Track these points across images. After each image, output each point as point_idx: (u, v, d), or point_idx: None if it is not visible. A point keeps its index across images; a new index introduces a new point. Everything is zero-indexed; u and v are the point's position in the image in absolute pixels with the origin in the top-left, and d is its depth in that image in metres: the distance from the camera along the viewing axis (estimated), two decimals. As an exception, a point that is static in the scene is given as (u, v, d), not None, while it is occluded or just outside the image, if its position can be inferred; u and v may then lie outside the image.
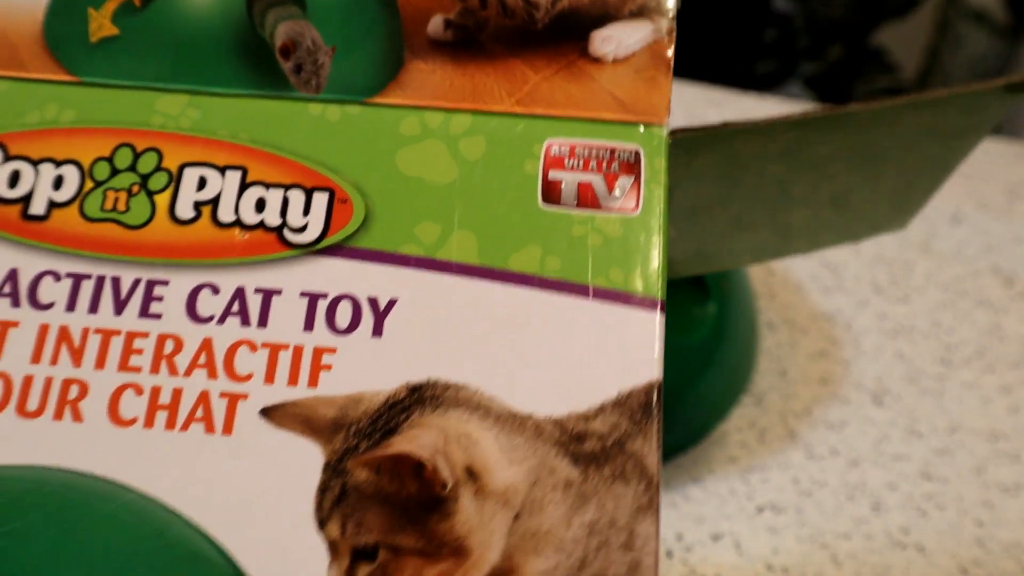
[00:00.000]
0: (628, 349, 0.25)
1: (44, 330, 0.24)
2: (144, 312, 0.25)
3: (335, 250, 0.26)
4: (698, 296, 0.44)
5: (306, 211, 0.26)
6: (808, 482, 0.42)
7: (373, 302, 0.25)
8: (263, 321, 0.25)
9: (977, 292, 0.52)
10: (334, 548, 0.22)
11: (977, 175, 0.62)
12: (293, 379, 0.24)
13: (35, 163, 0.27)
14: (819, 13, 1.18)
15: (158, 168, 0.27)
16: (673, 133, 0.30)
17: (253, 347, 0.25)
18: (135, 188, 0.26)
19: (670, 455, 0.43)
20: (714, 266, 0.40)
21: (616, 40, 0.29)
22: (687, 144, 0.31)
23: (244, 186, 0.27)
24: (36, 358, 0.24)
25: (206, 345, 0.24)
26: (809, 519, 0.40)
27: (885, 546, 0.39)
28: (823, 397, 0.46)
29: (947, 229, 0.57)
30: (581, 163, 0.27)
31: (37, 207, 0.26)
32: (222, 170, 0.27)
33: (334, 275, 0.25)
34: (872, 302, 0.52)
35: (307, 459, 0.23)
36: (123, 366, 0.24)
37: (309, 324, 0.25)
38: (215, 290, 0.25)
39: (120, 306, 0.25)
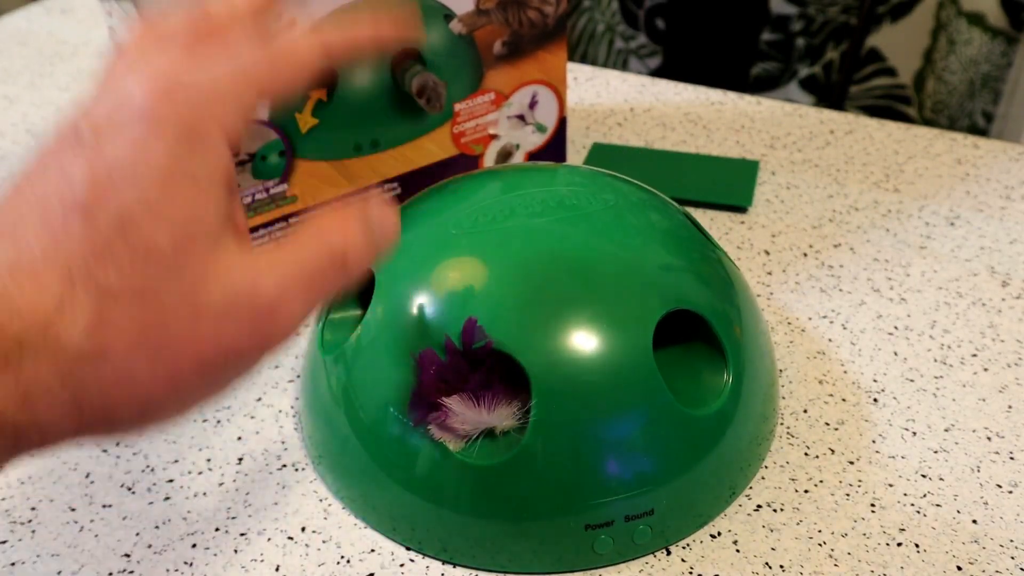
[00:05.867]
0: None
1: None
2: None
3: None
4: (713, 364, 0.40)
5: None
6: (806, 481, 0.42)
7: None
8: None
9: (973, 293, 0.53)
10: None
11: (973, 177, 0.63)
12: None
13: None
14: (816, 15, 1.19)
15: None
16: None
17: None
18: None
19: (683, 536, 0.40)
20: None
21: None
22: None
23: None
24: None
25: None
26: (807, 517, 0.40)
27: (882, 544, 0.39)
28: (821, 396, 0.46)
29: (944, 230, 0.58)
30: None
31: None
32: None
33: None
34: (870, 302, 0.52)
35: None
36: None
37: None
38: None
39: None
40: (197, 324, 0.25)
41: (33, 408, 0.24)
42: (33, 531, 0.41)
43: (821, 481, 0.42)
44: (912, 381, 0.47)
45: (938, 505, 0.41)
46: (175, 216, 0.25)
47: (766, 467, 0.43)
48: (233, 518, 0.41)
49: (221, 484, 0.43)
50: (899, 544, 0.39)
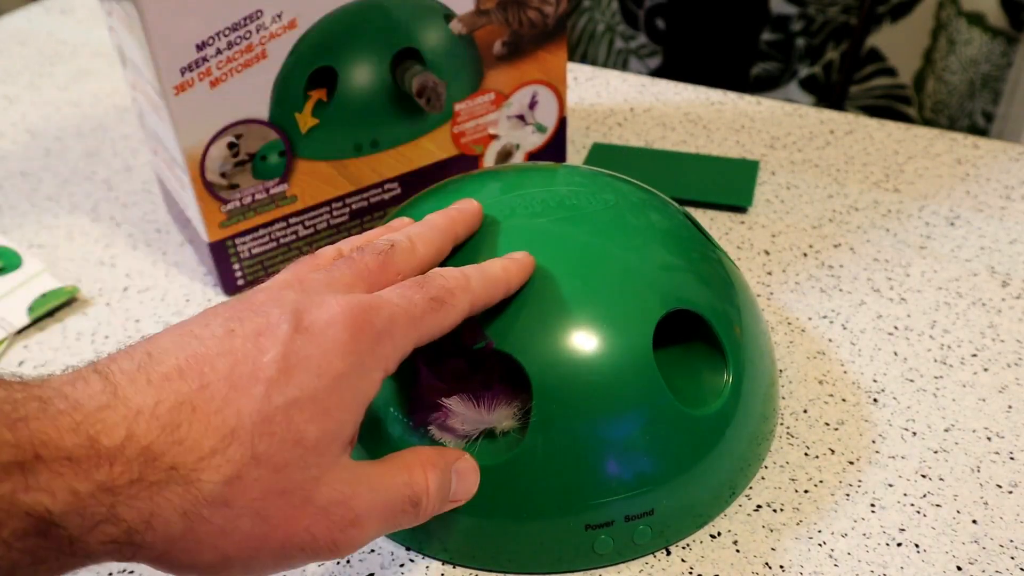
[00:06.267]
0: None
1: None
2: None
3: None
4: (713, 364, 0.40)
5: None
6: (806, 481, 0.42)
7: None
8: None
9: (973, 293, 0.53)
10: None
11: (973, 177, 0.63)
12: None
13: None
14: (816, 15, 1.19)
15: None
16: None
17: None
18: None
19: (683, 536, 0.40)
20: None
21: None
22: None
23: None
24: None
25: None
26: (807, 517, 0.40)
27: (882, 544, 0.39)
28: (821, 396, 0.46)
29: (944, 230, 0.58)
30: None
31: None
32: None
33: None
34: (870, 302, 0.52)
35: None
36: None
37: None
38: None
39: None
40: (300, 512, 0.28)
41: (150, 529, 0.26)
42: (33, 531, 0.41)
43: (821, 481, 0.42)
44: (912, 381, 0.47)
45: (938, 505, 0.41)
46: (330, 418, 0.29)
47: (766, 467, 0.43)
48: (233, 518, 0.41)
49: (221, 484, 0.43)
50: (899, 544, 0.39)
